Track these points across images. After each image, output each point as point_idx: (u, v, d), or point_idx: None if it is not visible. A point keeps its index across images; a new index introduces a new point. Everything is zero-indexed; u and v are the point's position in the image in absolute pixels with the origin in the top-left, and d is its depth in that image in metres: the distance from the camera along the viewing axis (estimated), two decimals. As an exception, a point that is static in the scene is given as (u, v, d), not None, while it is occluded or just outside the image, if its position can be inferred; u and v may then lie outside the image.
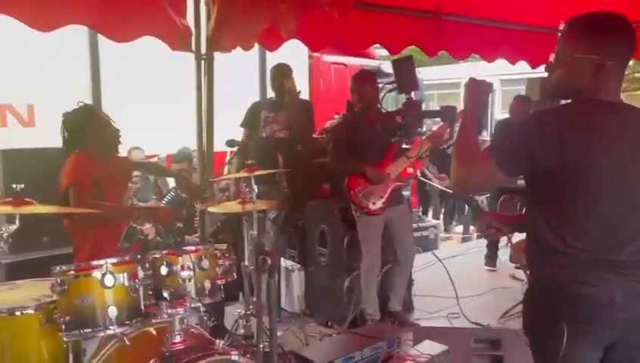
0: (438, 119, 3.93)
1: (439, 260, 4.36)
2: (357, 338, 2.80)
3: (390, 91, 3.29)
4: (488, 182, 1.70)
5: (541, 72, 5.64)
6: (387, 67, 7.71)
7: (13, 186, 1.89)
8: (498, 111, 13.85)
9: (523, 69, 5.79)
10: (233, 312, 3.37)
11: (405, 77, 3.24)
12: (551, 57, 1.66)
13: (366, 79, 3.64)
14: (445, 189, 7.39)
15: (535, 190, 1.62)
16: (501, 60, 5.30)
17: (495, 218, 1.91)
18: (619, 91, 1.65)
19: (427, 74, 9.78)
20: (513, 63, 5.39)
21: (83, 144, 2.74)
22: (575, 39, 1.59)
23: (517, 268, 4.52)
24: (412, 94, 3.37)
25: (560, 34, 1.71)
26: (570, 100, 1.66)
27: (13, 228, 1.86)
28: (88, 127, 2.76)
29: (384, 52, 7.11)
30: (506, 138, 1.62)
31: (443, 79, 13.65)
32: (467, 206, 7.68)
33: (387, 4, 4.13)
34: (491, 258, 5.31)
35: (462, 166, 1.59)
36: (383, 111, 3.63)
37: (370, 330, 2.97)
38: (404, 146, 3.66)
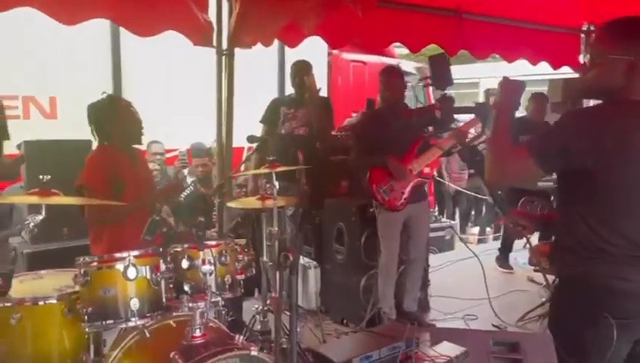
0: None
1: (476, 256, 4.33)
2: (374, 337, 2.78)
3: (425, 86, 3.31)
4: (524, 177, 1.80)
5: (563, 73, 5.60)
6: (406, 66, 7.67)
7: (40, 177, 1.90)
8: (518, 112, 13.73)
9: (542, 70, 5.73)
10: (249, 308, 3.38)
11: (440, 73, 3.27)
12: (584, 58, 1.71)
13: (395, 74, 3.64)
14: (460, 190, 7.34)
15: (571, 187, 1.65)
16: (521, 61, 5.25)
17: (522, 216, 1.95)
18: None
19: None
20: (534, 63, 5.34)
21: (108, 135, 2.77)
22: (609, 41, 1.63)
23: (535, 271, 4.46)
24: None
25: (587, 35, 1.78)
26: (600, 101, 1.69)
27: (40, 218, 1.87)
28: (111, 118, 2.78)
29: (403, 51, 7.07)
30: (545, 135, 1.67)
31: (461, 78, 13.54)
32: (484, 208, 7.62)
33: (409, 2, 4.11)
34: (502, 260, 5.27)
35: (498, 162, 1.66)
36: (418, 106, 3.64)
37: (387, 330, 2.95)
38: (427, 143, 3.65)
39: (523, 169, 1.62)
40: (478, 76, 13.08)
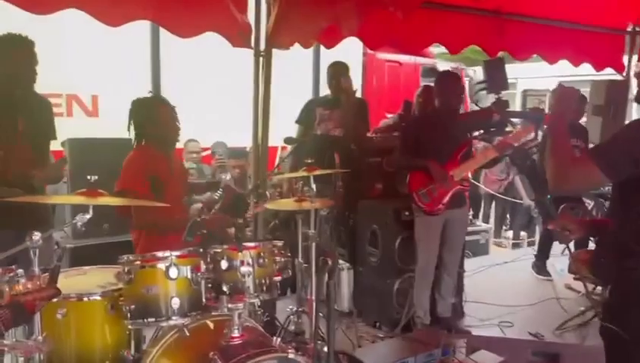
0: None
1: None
2: (409, 343, 2.77)
3: (481, 90, 3.26)
4: (587, 183, 1.87)
5: (605, 74, 5.43)
6: (443, 66, 7.60)
7: (88, 177, 1.95)
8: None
9: (582, 71, 5.57)
10: (282, 307, 3.39)
11: (495, 77, 3.24)
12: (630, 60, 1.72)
13: (454, 80, 3.59)
14: (496, 194, 7.22)
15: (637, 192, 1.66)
16: (560, 61, 5.11)
17: (570, 220, 1.96)
18: None
19: (482, 74, 9.54)
20: (576, 65, 5.20)
21: (146, 135, 2.74)
22: None
23: (575, 279, 4.35)
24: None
25: (632, 36, 1.82)
26: None
27: (87, 217, 1.92)
28: (152, 119, 2.74)
29: (440, 50, 6.99)
30: (613, 144, 1.70)
31: (498, 79, 13.22)
32: (518, 212, 7.48)
33: (451, 3, 4.04)
34: (539, 266, 5.16)
35: (561, 168, 1.70)
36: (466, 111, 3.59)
37: (422, 336, 2.93)
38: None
39: (587, 177, 1.66)
40: (515, 77, 12.73)
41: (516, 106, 13.23)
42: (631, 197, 1.69)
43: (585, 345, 3.36)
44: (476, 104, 7.48)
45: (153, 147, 2.78)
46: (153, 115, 2.76)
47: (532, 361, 2.59)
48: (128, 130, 2.77)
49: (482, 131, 3.41)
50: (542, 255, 5.17)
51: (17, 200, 2.13)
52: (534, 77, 12.16)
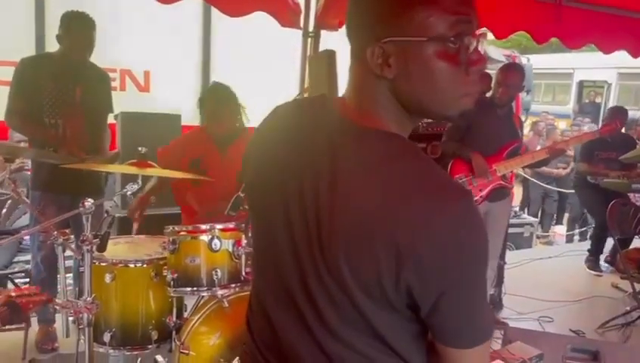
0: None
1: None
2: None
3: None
4: None
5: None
6: (494, 53, 7.37)
7: (139, 148, 2.03)
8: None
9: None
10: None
11: None
12: None
13: (518, 73, 3.51)
14: (545, 186, 7.04)
15: None
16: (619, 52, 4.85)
17: None
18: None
19: (535, 62, 9.20)
20: (635, 56, 4.93)
21: (208, 119, 2.76)
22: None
23: (622, 278, 4.20)
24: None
25: None
26: None
27: (136, 187, 2.00)
28: (217, 107, 2.71)
29: (491, 37, 6.77)
30: None
31: (552, 68, 12.67)
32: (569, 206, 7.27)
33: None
34: (593, 262, 5.04)
35: None
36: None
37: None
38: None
39: None
40: (571, 67, 12.14)
41: (571, 98, 12.73)
42: None
43: (627, 345, 3.26)
44: (527, 93, 7.27)
45: (207, 131, 2.78)
46: (218, 104, 2.72)
47: (570, 357, 2.53)
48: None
49: None
50: (597, 251, 5.06)
51: (72, 167, 2.24)
52: (591, 67, 11.64)
